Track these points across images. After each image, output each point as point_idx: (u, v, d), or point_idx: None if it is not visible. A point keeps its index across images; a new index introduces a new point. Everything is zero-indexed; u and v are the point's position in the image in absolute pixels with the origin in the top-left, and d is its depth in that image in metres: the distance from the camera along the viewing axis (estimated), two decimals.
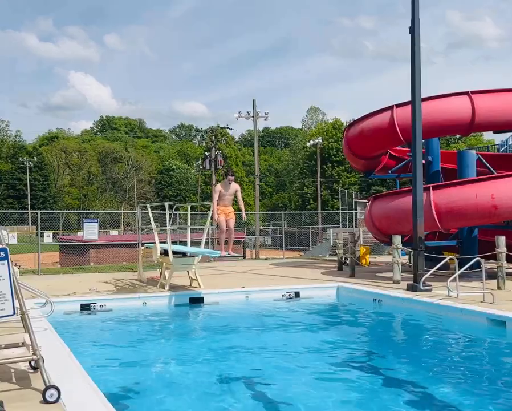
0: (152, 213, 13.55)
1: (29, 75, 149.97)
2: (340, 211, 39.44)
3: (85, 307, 10.20)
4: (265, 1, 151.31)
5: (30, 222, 52.74)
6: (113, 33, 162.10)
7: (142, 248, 14.29)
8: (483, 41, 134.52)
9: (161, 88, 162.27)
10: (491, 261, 12.60)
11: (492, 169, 14.17)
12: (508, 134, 20.49)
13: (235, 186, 11.81)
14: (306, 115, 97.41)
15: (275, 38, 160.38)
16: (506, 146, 21.45)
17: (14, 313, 4.38)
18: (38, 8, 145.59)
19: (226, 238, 12.07)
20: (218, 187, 11.77)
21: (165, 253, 12.00)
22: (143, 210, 22.56)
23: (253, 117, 34.92)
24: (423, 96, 11.70)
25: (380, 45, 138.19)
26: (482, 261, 10.18)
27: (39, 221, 17.50)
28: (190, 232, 13.58)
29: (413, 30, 11.40)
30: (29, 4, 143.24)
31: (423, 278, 10.71)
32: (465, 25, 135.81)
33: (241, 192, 12.25)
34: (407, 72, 11.63)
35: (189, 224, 13.86)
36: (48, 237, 21.10)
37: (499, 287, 10.80)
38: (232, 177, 11.64)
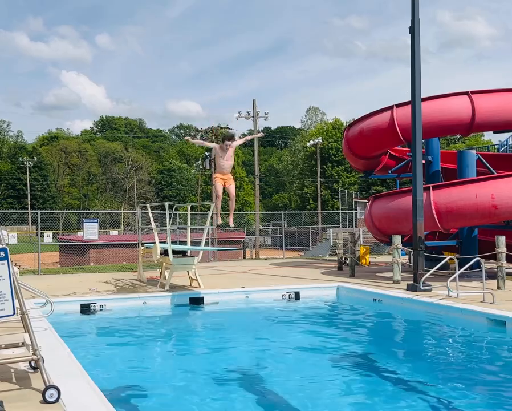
0: (152, 213, 13.56)
1: (23, 74, 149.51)
2: (340, 211, 39.48)
3: (85, 307, 10.20)
4: (265, 0, 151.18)
5: (30, 222, 52.80)
6: (106, 33, 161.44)
7: (142, 248, 14.29)
8: (475, 41, 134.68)
9: (155, 87, 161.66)
10: (491, 261, 12.61)
11: (492, 169, 14.17)
12: (508, 134, 20.49)
13: (232, 153, 10.25)
14: (305, 115, 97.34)
15: (274, 38, 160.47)
16: (506, 146, 21.44)
17: (14, 313, 4.38)
18: (28, 8, 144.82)
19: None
20: (215, 145, 10.55)
21: (165, 253, 12.00)
22: (143, 210, 22.57)
23: (253, 117, 34.94)
24: (422, 96, 11.70)
25: (382, 45, 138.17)
26: (482, 261, 10.18)
27: (39, 221, 17.50)
28: (190, 232, 13.59)
29: (413, 30, 11.41)
30: (20, 3, 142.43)
31: (423, 278, 10.71)
32: (456, 24, 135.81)
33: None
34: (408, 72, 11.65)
35: (188, 224, 13.87)
36: (48, 237, 21.13)
37: (499, 287, 10.81)
38: (230, 143, 10.07)
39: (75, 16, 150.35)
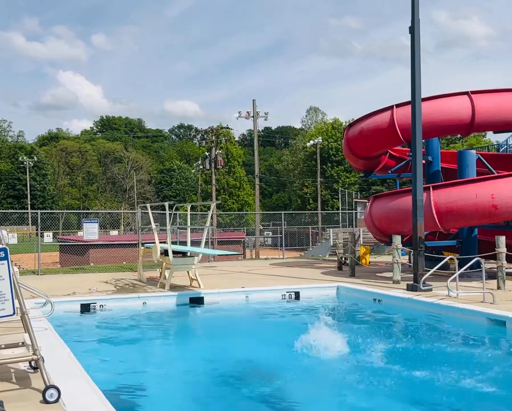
0: (152, 213, 13.56)
1: (20, 74, 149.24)
2: (340, 211, 39.46)
3: (85, 307, 10.20)
4: (265, 0, 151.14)
5: (30, 222, 52.77)
6: (103, 33, 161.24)
7: (142, 248, 14.29)
8: (472, 41, 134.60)
9: (154, 87, 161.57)
10: (491, 261, 12.61)
11: (492, 169, 14.17)
12: (508, 134, 20.48)
13: None
14: (306, 115, 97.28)
15: (274, 38, 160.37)
16: (505, 146, 21.44)
17: (14, 313, 4.38)
18: (24, 8, 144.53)
19: None
20: None
21: (165, 253, 12.00)
22: (143, 210, 22.58)
23: (253, 117, 34.92)
24: (422, 96, 11.70)
25: (380, 45, 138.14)
26: (482, 261, 10.18)
27: (39, 221, 17.49)
28: (190, 232, 13.59)
29: (413, 30, 11.42)
30: (16, 3, 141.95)
31: (423, 278, 10.71)
32: (453, 24, 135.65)
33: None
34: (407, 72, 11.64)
35: (188, 224, 13.87)
36: (48, 237, 21.13)
37: (499, 287, 10.81)
38: None
39: (74, 16, 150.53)
